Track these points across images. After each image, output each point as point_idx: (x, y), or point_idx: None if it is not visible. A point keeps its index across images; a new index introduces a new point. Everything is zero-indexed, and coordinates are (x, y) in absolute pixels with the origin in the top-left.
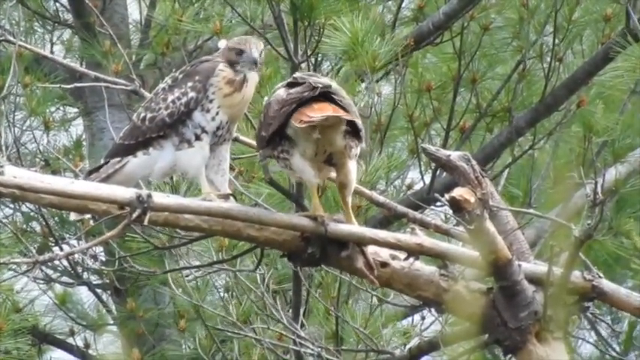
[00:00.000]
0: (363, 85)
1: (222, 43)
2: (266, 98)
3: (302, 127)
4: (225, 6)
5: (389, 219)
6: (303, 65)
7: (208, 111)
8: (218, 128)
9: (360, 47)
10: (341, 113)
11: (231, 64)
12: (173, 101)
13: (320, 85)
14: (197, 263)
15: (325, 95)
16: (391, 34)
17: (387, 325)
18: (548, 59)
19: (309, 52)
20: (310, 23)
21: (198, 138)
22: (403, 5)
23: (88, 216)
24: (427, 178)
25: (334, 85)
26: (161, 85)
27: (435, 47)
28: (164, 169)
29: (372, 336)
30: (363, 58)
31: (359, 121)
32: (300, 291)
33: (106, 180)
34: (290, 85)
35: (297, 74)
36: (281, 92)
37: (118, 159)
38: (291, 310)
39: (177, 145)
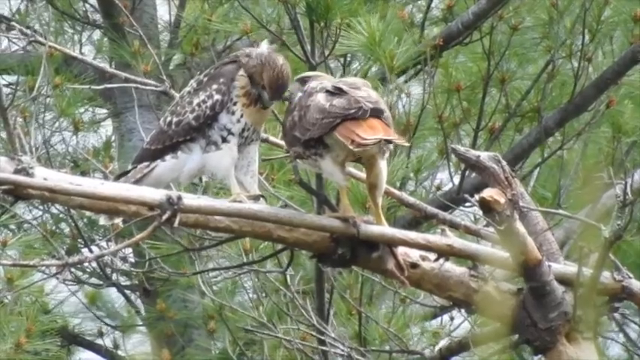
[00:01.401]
0: (391, 85)
1: (265, 46)
2: (299, 95)
3: (354, 149)
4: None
5: (418, 220)
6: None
7: (233, 113)
8: (243, 130)
9: (377, 47)
10: (392, 136)
11: (251, 78)
12: (199, 104)
13: (370, 107)
14: (225, 265)
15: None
16: (411, 33)
17: (412, 324)
18: (578, 59)
19: (326, 54)
20: (327, 25)
21: (225, 140)
22: (432, 5)
23: (118, 220)
24: (456, 179)
25: (374, 94)
26: (186, 89)
27: (464, 47)
28: (192, 171)
29: (399, 334)
30: (381, 59)
31: (401, 140)
32: (323, 292)
33: (135, 184)
34: (330, 93)
35: (339, 83)
36: (321, 99)
37: (147, 163)
38: (314, 311)
39: (204, 147)
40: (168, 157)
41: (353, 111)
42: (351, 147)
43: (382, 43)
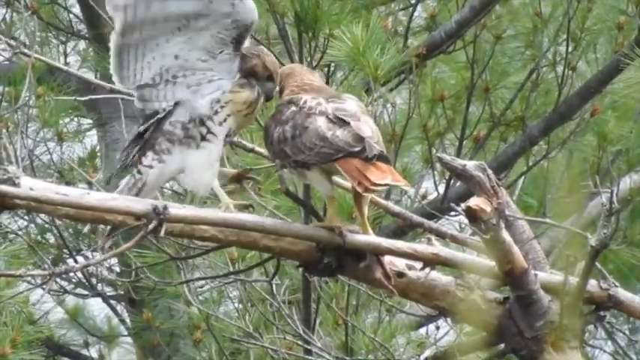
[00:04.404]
0: (375, 95)
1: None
2: (292, 109)
3: (362, 192)
4: None
5: (403, 229)
6: None
7: (216, 113)
8: (227, 135)
9: (361, 57)
10: (400, 181)
11: (248, 75)
12: None
13: (376, 152)
14: (210, 274)
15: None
16: (393, 42)
17: (397, 334)
18: (562, 68)
19: (314, 64)
20: (315, 35)
21: (204, 138)
22: (415, 14)
23: (102, 226)
24: (441, 188)
25: (374, 127)
26: None
27: (447, 56)
28: (173, 173)
29: (385, 344)
30: (365, 68)
31: (407, 186)
32: (309, 301)
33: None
34: (331, 121)
35: (338, 110)
36: (322, 125)
37: (139, 176)
38: (300, 321)
39: (181, 140)
40: (155, 163)
41: (357, 150)
42: (358, 189)
43: (366, 52)
